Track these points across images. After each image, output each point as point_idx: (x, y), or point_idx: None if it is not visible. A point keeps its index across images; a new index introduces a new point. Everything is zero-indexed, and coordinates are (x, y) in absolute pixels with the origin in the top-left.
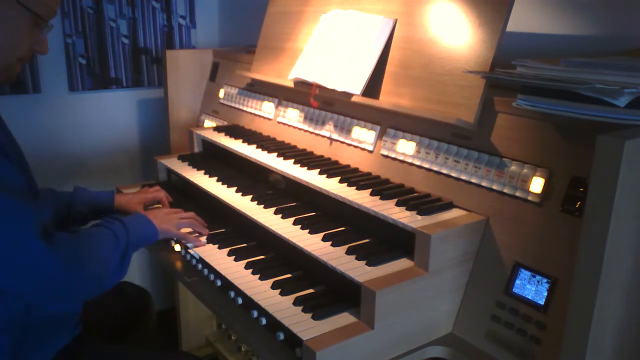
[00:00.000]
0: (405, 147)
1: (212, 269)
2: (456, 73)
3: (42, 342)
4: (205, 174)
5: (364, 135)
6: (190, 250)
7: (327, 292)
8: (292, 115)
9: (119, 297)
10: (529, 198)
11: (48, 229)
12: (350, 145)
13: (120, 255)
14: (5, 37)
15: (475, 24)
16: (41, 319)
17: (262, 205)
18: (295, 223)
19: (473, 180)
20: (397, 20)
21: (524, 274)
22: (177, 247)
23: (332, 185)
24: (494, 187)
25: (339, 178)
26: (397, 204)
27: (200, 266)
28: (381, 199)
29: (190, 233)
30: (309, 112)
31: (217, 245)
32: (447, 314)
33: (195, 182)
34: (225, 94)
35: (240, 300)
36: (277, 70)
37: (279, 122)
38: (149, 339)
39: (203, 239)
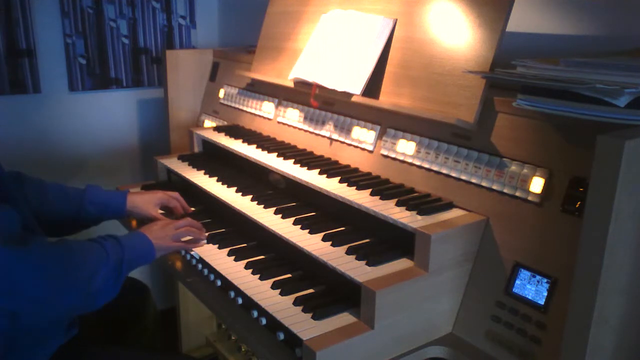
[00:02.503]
0: (405, 147)
1: (212, 269)
2: (456, 73)
3: (36, 345)
4: (205, 174)
5: (364, 135)
6: (190, 251)
7: (327, 292)
8: (292, 115)
9: None
10: (529, 198)
11: (19, 235)
12: (350, 145)
13: (110, 272)
14: None
15: (475, 24)
16: (30, 324)
17: (262, 205)
18: (295, 223)
19: (473, 180)
20: (397, 20)
21: (524, 274)
22: None
23: (332, 185)
24: (494, 187)
25: (339, 178)
26: (397, 204)
27: (200, 266)
28: (381, 199)
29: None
30: (309, 112)
31: (217, 245)
32: (447, 314)
33: (195, 182)
34: (225, 94)
35: (240, 300)
36: (277, 70)
37: (279, 122)
38: (148, 338)
39: (202, 242)
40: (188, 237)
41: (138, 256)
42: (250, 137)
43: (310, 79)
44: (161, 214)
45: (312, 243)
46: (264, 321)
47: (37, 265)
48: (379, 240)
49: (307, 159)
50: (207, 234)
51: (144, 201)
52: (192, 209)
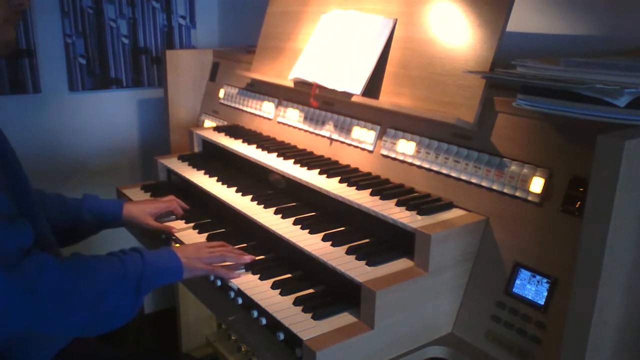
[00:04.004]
0: (405, 147)
1: None
2: (456, 73)
3: (36, 348)
4: (205, 174)
5: (364, 135)
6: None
7: (327, 292)
8: (292, 115)
9: None
10: (529, 198)
11: (24, 250)
12: (350, 145)
13: (126, 289)
14: None
15: (475, 24)
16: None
17: (262, 205)
18: (295, 223)
19: (473, 180)
20: (397, 20)
21: (524, 274)
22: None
23: (332, 185)
24: (494, 187)
25: (339, 178)
26: (397, 204)
27: None
28: (381, 199)
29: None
30: (309, 112)
31: None
32: (447, 314)
33: (195, 182)
34: (225, 94)
35: (240, 300)
36: (277, 70)
37: (279, 122)
38: (133, 338)
39: (240, 271)
40: (225, 263)
41: (162, 273)
42: (250, 137)
43: (310, 79)
44: (158, 218)
45: (312, 243)
46: (264, 321)
47: (29, 288)
48: (379, 240)
49: (307, 159)
50: (249, 258)
51: (140, 210)
52: (187, 206)
